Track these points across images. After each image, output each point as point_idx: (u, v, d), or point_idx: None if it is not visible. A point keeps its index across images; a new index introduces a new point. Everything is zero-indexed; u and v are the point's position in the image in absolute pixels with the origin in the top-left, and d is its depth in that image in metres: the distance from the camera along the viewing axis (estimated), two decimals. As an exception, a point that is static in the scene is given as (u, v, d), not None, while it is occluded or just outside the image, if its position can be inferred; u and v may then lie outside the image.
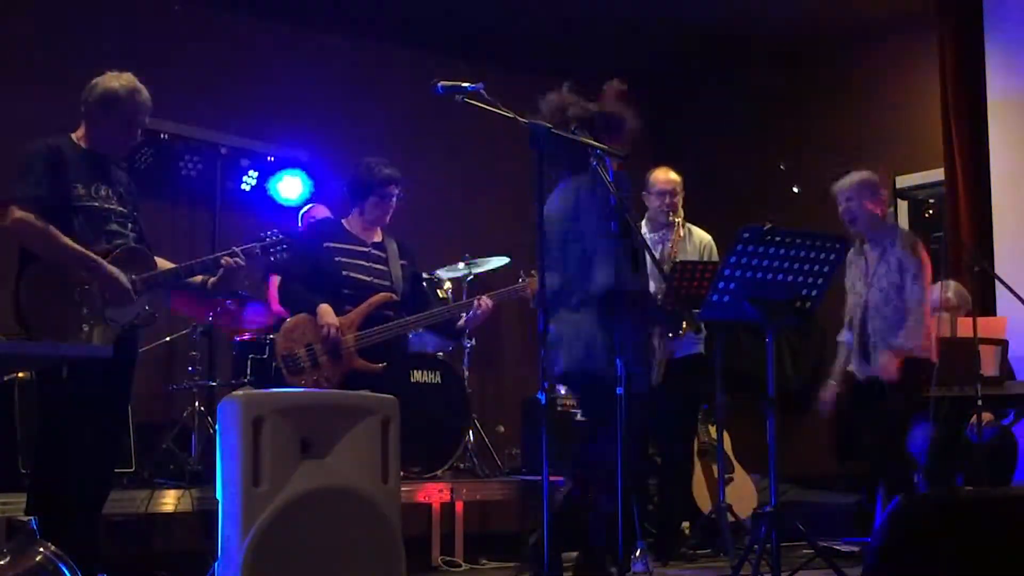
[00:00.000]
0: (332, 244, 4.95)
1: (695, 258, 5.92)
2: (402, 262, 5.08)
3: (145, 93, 4.31)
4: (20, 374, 5.27)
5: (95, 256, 4.09)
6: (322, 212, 6.62)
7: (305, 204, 6.92)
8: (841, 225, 5.59)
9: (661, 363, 5.77)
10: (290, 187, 7.20)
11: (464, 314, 5.10)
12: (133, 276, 4.17)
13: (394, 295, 4.95)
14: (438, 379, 6.34)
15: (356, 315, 4.85)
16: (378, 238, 5.08)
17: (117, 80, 4.27)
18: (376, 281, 4.95)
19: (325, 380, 4.78)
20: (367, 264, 4.97)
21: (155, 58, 6.34)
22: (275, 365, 4.93)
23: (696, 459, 6.25)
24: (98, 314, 4.08)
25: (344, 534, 3.44)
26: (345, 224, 5.10)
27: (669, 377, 5.79)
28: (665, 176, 6.02)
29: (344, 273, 4.90)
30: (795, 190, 5.61)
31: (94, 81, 4.28)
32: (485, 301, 5.03)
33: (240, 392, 3.54)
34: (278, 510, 3.33)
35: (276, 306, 6.02)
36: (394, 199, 5.05)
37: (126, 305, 4.15)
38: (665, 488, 6.12)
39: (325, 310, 4.81)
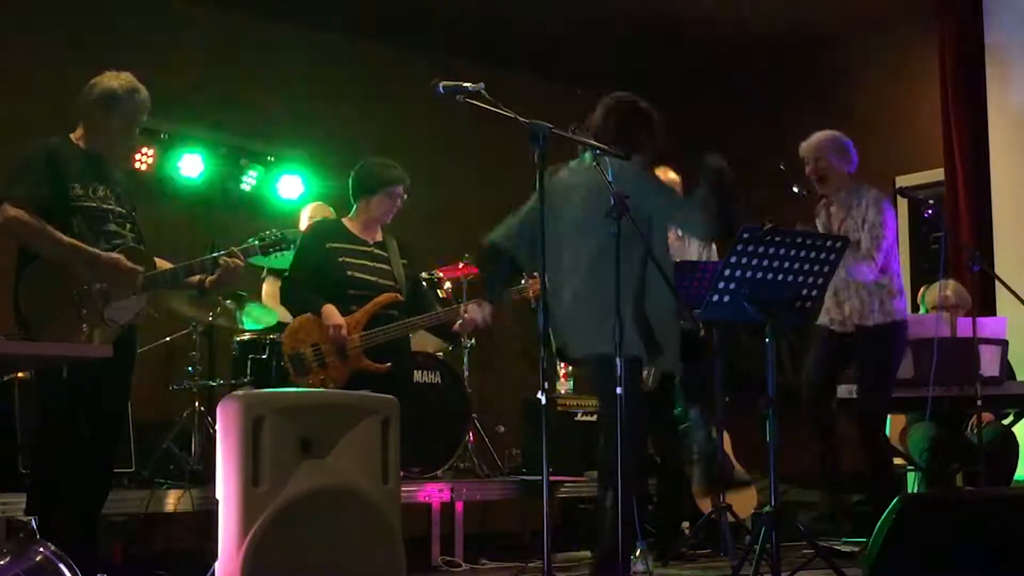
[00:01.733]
0: (335, 244, 4.95)
1: (694, 258, 5.92)
2: (403, 262, 5.09)
3: (144, 92, 4.31)
4: (20, 374, 5.26)
5: (91, 248, 4.08)
6: (323, 211, 6.60)
7: (306, 203, 6.91)
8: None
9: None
10: (290, 187, 7.20)
11: (460, 318, 5.08)
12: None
13: (399, 295, 4.96)
14: (438, 379, 6.34)
15: (362, 315, 4.86)
16: (379, 237, 5.09)
17: (116, 80, 4.27)
18: (380, 281, 4.95)
19: (331, 380, 4.78)
20: (371, 264, 4.97)
21: (155, 57, 6.34)
22: (281, 365, 4.94)
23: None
24: (97, 314, 4.07)
25: (344, 534, 3.44)
26: (347, 223, 5.10)
27: (667, 376, 5.78)
28: (664, 176, 6.01)
29: (349, 273, 4.90)
30: (795, 190, 5.60)
31: (93, 81, 4.27)
32: (474, 308, 5.02)
33: (240, 392, 3.54)
34: (278, 510, 3.33)
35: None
36: (399, 200, 5.06)
37: (130, 290, 4.15)
38: (665, 488, 6.12)
39: (330, 310, 4.81)
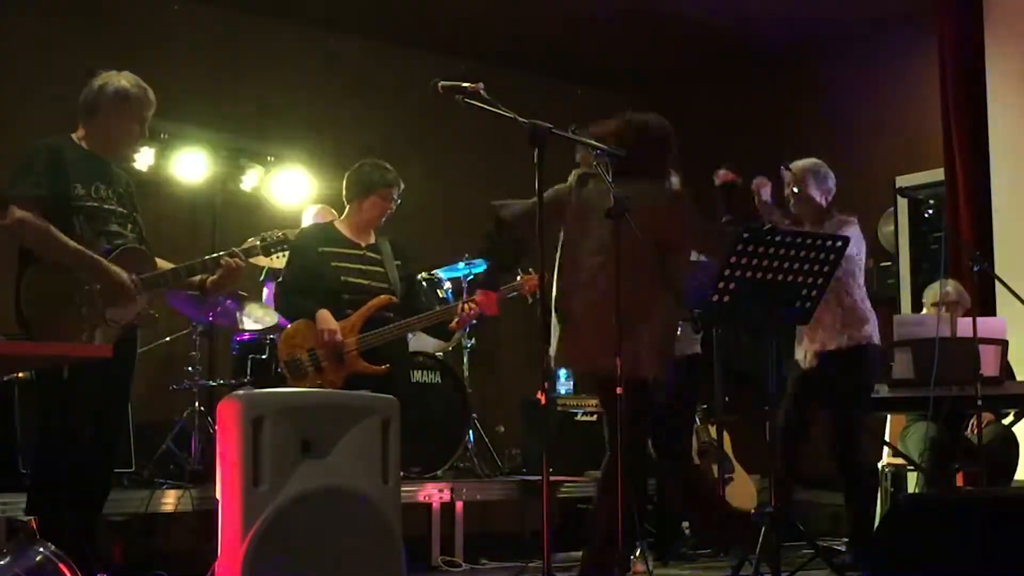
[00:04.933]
0: (328, 249, 4.94)
1: (691, 258, 5.91)
2: (396, 263, 5.08)
3: (151, 90, 4.32)
4: (20, 374, 5.27)
5: (95, 255, 4.09)
6: (327, 213, 6.59)
7: (308, 205, 6.91)
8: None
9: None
10: (290, 187, 7.19)
11: (457, 315, 5.09)
12: (133, 276, 4.17)
13: (393, 297, 4.95)
14: (438, 379, 6.34)
15: (357, 318, 4.85)
16: (372, 239, 5.08)
17: (125, 78, 4.27)
18: (374, 284, 4.95)
19: (328, 384, 4.78)
20: (364, 267, 4.97)
21: (155, 57, 6.34)
22: (278, 370, 4.94)
23: (696, 459, 6.25)
24: (98, 314, 4.07)
25: (344, 534, 3.44)
26: (339, 226, 5.09)
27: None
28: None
29: (343, 278, 4.89)
30: (795, 190, 5.60)
31: (99, 81, 4.25)
32: (470, 306, 5.02)
33: (240, 392, 3.54)
34: (278, 510, 3.33)
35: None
36: (393, 204, 5.05)
37: (127, 304, 4.15)
38: (665, 488, 6.12)
39: (324, 315, 4.81)
